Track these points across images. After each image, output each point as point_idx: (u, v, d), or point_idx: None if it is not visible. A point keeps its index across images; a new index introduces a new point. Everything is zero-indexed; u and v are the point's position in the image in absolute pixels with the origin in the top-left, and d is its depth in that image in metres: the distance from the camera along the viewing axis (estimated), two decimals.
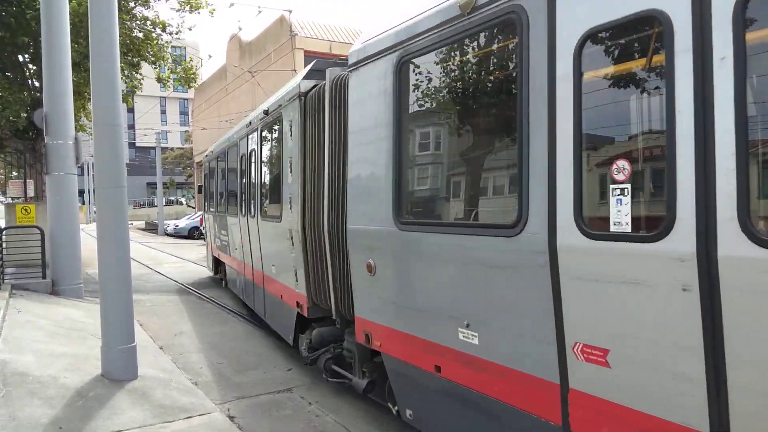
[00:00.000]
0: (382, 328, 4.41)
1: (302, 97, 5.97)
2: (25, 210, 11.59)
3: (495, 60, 3.50)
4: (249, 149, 8.85)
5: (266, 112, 7.50)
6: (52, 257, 9.99)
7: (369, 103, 4.40)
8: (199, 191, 16.84)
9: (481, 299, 3.38)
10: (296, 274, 6.24)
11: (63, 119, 9.79)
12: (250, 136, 8.76)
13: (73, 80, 10.20)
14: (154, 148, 43.94)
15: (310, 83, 5.94)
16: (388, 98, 4.13)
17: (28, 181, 14.22)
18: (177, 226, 33.43)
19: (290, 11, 26.29)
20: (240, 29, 46.32)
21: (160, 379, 5.74)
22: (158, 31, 15.38)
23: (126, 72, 14.70)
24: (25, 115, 13.54)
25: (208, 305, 11.27)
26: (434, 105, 4.05)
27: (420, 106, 4.12)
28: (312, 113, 5.72)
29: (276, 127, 7.15)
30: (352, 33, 28.52)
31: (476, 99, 3.71)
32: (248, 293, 9.44)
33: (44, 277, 9.90)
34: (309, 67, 6.28)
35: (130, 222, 6.69)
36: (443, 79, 3.87)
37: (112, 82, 5.68)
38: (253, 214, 8.40)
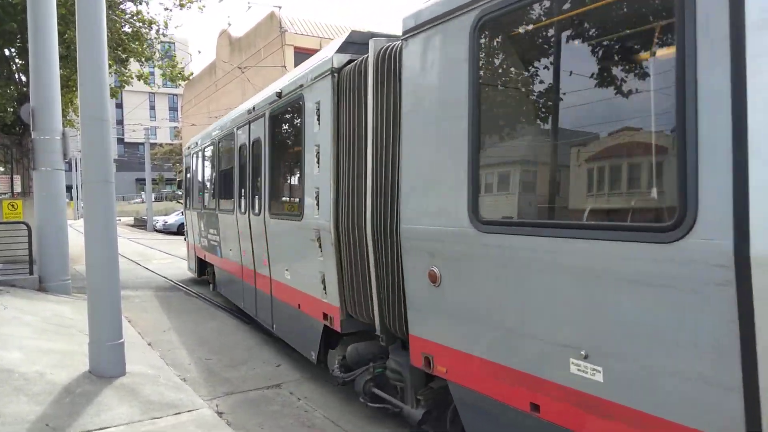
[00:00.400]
0: (451, 352, 3.69)
1: (335, 74, 5.13)
2: (12, 206, 11.49)
3: (634, 6, 2.65)
4: (251, 138, 7.72)
5: (279, 95, 6.51)
6: (39, 253, 9.92)
7: (434, 77, 3.71)
8: (180, 186, 15.97)
9: (609, 324, 2.63)
10: (324, 281, 5.48)
11: (50, 113, 9.70)
12: (253, 124, 7.65)
13: (61, 73, 10.11)
14: (143, 143, 43.65)
15: (344, 57, 5.14)
16: (462, 69, 3.41)
17: (14, 176, 14.09)
18: (166, 222, 33.33)
19: (280, 7, 26.22)
20: (230, 25, 46.12)
21: (149, 376, 5.72)
22: (145, 26, 15.26)
23: (114, 67, 14.58)
24: (12, 109, 13.41)
25: (197, 301, 11.24)
26: (534, 73, 3.29)
27: (510, 75, 3.39)
28: (348, 92, 4.96)
29: (294, 111, 6.24)
30: (343, 30, 28.49)
31: (602, 60, 2.83)
32: (248, 300, 8.38)
33: (31, 273, 9.83)
34: (341, 39, 5.44)
35: (118, 218, 6.64)
36: (547, 39, 3.13)
37: (99, 77, 5.64)
38: (257, 211, 7.39)
